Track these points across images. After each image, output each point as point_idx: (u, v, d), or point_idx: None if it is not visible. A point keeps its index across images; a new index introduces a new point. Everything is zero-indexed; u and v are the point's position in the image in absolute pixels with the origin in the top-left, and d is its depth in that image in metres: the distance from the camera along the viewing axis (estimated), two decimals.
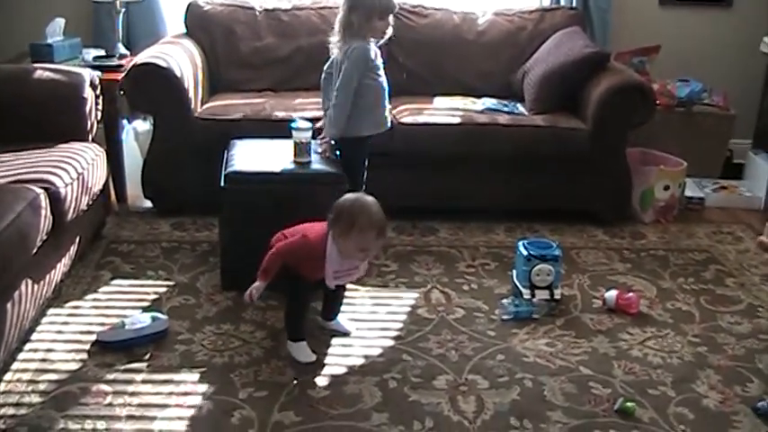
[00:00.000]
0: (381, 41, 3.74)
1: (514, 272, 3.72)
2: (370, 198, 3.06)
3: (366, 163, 3.87)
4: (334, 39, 3.75)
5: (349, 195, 3.10)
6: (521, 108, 4.66)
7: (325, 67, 3.87)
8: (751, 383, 3.07)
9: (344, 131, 3.69)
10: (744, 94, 5.44)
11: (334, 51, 3.76)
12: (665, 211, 4.70)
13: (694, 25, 5.54)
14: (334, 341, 3.27)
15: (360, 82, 3.66)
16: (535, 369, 3.11)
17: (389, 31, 3.74)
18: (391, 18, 3.72)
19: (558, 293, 3.60)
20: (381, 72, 3.77)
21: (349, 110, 3.66)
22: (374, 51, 3.71)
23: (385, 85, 3.80)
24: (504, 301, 3.58)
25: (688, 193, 4.92)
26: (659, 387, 3.02)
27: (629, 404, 2.85)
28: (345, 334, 3.31)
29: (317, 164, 3.66)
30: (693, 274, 4.02)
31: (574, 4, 5.31)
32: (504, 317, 3.50)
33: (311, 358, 3.10)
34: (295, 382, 2.97)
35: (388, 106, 3.85)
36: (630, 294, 3.62)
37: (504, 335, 3.36)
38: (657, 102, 4.54)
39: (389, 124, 3.89)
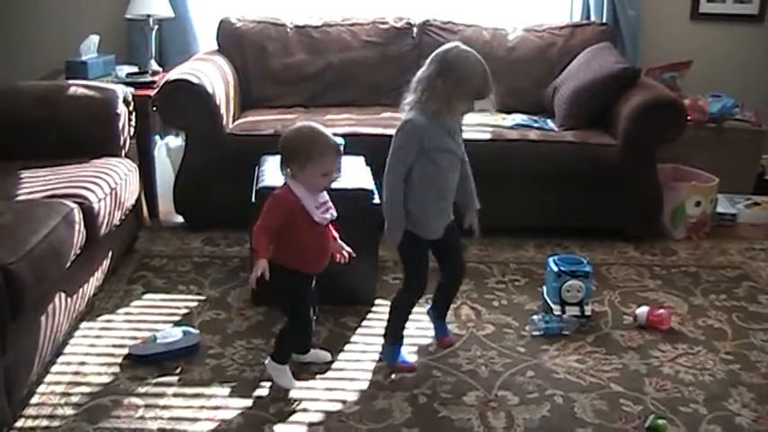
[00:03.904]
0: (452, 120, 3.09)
1: (545, 288, 3.71)
2: (312, 123, 2.99)
3: (425, 261, 3.21)
4: (408, 99, 3.08)
5: (290, 129, 2.98)
6: (551, 124, 4.66)
7: None
8: None
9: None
10: None
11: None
12: (697, 228, 4.67)
13: (726, 40, 5.52)
14: (364, 357, 3.28)
15: (412, 168, 3.02)
16: (566, 386, 3.10)
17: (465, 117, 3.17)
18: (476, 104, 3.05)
19: (588, 310, 3.59)
20: (445, 157, 3.05)
21: (401, 207, 3.02)
22: (434, 130, 3.00)
23: (448, 178, 3.09)
24: (535, 317, 3.57)
25: (720, 209, 4.88)
26: (691, 404, 3.00)
27: (660, 421, 2.83)
28: (327, 362, 3.21)
29: (347, 180, 3.67)
30: (725, 290, 3.99)
31: (604, 20, 5.30)
32: (535, 333, 3.49)
33: (294, 385, 3.01)
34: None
35: (448, 207, 3.15)
36: (662, 311, 3.60)
37: (535, 351, 3.35)
38: (689, 117, 4.52)
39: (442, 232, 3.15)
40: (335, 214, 2.99)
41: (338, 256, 3.09)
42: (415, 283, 3.19)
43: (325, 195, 2.98)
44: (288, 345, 3.05)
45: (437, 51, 3.05)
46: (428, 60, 3.06)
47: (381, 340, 3.32)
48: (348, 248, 3.10)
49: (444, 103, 2.96)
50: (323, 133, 2.90)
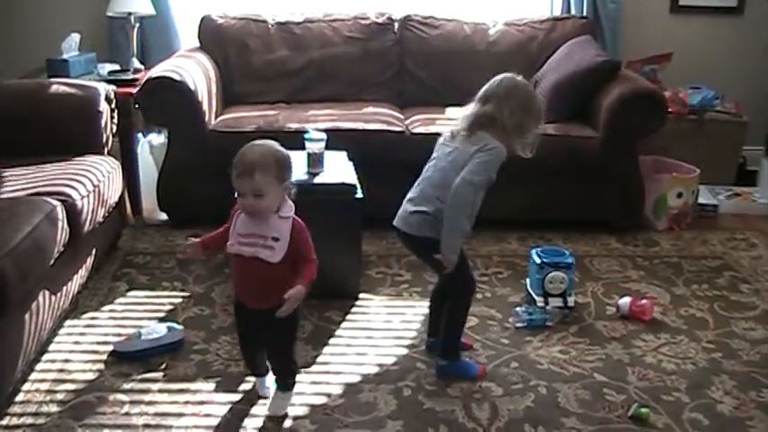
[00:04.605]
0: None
1: (528, 280, 3.73)
2: (260, 141, 2.73)
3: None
4: (461, 132, 2.98)
5: None
6: None
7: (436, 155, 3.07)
8: (766, 389, 3.06)
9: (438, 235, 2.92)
10: (756, 100, 5.46)
11: (449, 145, 3.01)
12: (679, 219, 4.70)
13: (705, 33, 5.55)
14: (349, 350, 3.29)
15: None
16: (549, 376, 3.12)
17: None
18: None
19: (571, 301, 3.62)
20: None
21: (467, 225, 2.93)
22: None
23: None
24: (518, 308, 3.59)
25: (701, 200, 4.92)
26: (673, 393, 3.02)
27: (643, 410, 2.85)
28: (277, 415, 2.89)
29: (330, 174, 3.68)
30: (707, 280, 4.02)
31: (584, 14, 5.33)
32: (518, 325, 3.51)
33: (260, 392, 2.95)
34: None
35: None
36: (644, 301, 3.62)
37: (518, 342, 3.37)
38: (669, 109, 4.55)
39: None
40: (272, 260, 2.63)
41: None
42: (466, 284, 3.10)
43: (277, 231, 2.64)
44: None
45: (509, 86, 3.00)
46: (500, 93, 2.98)
47: (365, 334, 3.36)
48: (285, 307, 2.58)
49: (529, 133, 3.00)
50: (246, 151, 2.65)
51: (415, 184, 3.07)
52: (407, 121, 4.60)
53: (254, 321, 2.79)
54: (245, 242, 2.66)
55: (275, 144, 2.73)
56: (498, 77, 3.06)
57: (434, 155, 3.07)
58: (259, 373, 2.97)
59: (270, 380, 2.96)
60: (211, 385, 3.00)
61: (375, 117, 4.57)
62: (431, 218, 2.93)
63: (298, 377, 3.01)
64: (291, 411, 2.85)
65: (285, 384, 2.89)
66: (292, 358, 2.88)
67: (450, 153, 2.98)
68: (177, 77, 4.30)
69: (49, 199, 3.20)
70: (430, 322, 3.30)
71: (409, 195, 3.06)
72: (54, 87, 4.03)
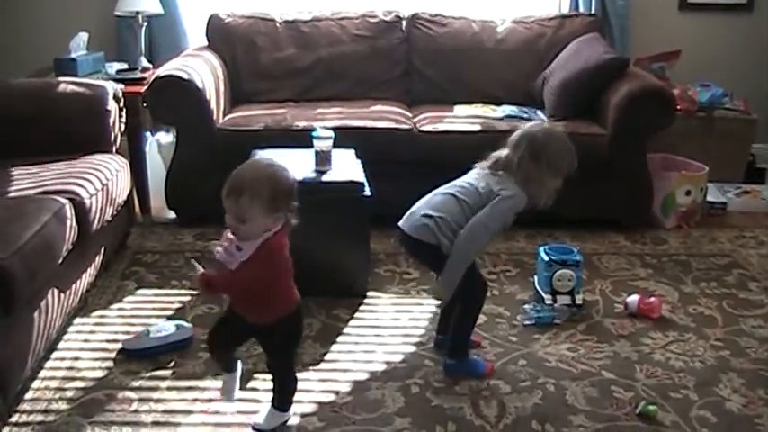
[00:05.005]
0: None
1: (536, 278, 3.73)
2: (267, 161, 2.67)
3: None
4: (485, 166, 3.08)
5: None
6: (541, 115, 4.67)
7: (465, 182, 3.08)
8: None
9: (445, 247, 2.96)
10: (765, 98, 5.43)
11: (479, 172, 3.09)
12: (687, 217, 4.69)
13: (714, 30, 5.53)
14: (357, 348, 3.29)
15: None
16: (557, 373, 3.12)
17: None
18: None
19: (579, 298, 3.61)
20: None
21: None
22: None
23: None
24: (526, 306, 3.59)
25: (710, 198, 4.90)
26: (681, 390, 3.02)
27: (651, 407, 2.85)
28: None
29: (338, 172, 3.68)
30: (716, 278, 4.01)
31: (593, 11, 5.32)
32: (526, 322, 3.51)
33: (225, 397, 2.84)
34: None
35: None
36: (652, 299, 3.62)
37: (526, 340, 3.37)
38: (678, 107, 4.54)
39: None
40: (229, 266, 2.55)
41: None
42: (479, 286, 3.12)
43: (243, 252, 2.52)
44: None
45: (524, 134, 3.04)
46: (515, 140, 3.04)
47: (373, 331, 3.36)
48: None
49: (539, 184, 3.00)
50: (244, 168, 2.54)
51: (432, 192, 3.09)
52: (415, 119, 4.60)
53: (241, 327, 2.71)
54: (228, 254, 2.58)
55: (280, 168, 2.54)
56: (528, 123, 3.15)
57: (466, 175, 3.10)
58: (226, 368, 2.85)
59: (238, 378, 2.86)
60: (220, 383, 2.99)
61: (383, 115, 4.57)
62: (434, 224, 2.95)
63: (306, 374, 3.03)
64: (300, 409, 2.85)
65: (282, 404, 2.78)
66: (291, 372, 2.79)
67: (474, 178, 3.05)
68: (185, 76, 4.30)
69: (57, 197, 3.21)
70: (440, 320, 3.30)
71: (421, 201, 3.08)
72: (62, 86, 4.03)
